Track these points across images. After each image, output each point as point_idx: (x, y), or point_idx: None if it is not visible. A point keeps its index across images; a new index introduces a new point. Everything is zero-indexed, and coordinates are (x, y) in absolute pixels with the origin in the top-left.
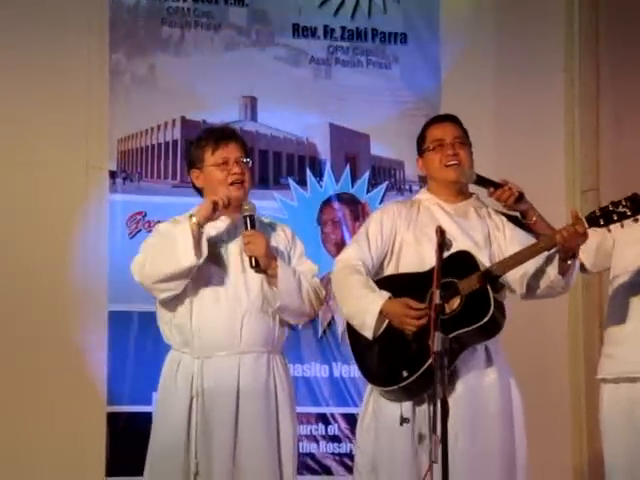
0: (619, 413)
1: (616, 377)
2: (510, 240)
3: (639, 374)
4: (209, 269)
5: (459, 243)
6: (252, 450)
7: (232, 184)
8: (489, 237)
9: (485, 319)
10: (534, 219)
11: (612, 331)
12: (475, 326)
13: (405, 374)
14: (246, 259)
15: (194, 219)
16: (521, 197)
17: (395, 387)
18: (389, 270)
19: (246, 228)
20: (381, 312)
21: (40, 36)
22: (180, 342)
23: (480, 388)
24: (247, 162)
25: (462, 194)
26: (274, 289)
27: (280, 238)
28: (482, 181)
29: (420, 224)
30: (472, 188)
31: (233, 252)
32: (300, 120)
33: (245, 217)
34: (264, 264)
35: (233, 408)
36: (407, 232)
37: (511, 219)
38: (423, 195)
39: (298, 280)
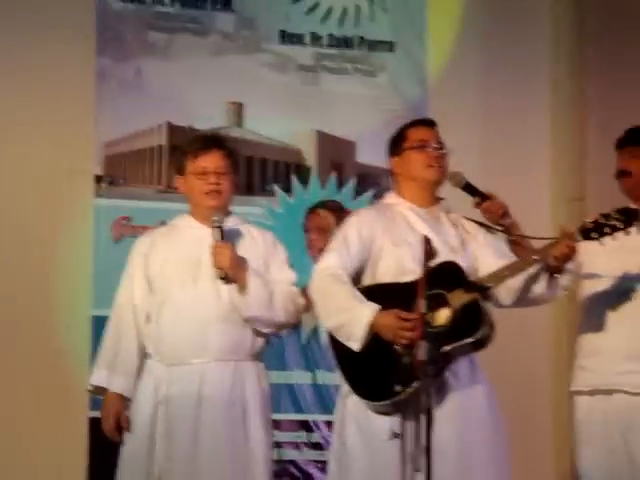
0: (594, 425)
1: (591, 389)
2: (484, 246)
3: (615, 386)
4: (180, 278)
5: (437, 249)
6: (212, 457)
7: (208, 193)
8: (464, 243)
9: (479, 333)
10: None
11: (586, 342)
12: (469, 340)
13: (399, 388)
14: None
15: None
16: (506, 211)
17: (388, 402)
18: (366, 276)
19: (215, 239)
20: (371, 324)
21: (25, 39)
22: (152, 350)
23: (470, 399)
24: (226, 173)
25: (433, 198)
26: (244, 298)
27: (259, 245)
28: (470, 188)
29: (396, 229)
30: (441, 193)
31: (205, 261)
32: (286, 127)
33: (214, 228)
34: (232, 275)
35: (194, 416)
36: (384, 238)
37: (481, 225)
38: (393, 199)
39: (270, 291)
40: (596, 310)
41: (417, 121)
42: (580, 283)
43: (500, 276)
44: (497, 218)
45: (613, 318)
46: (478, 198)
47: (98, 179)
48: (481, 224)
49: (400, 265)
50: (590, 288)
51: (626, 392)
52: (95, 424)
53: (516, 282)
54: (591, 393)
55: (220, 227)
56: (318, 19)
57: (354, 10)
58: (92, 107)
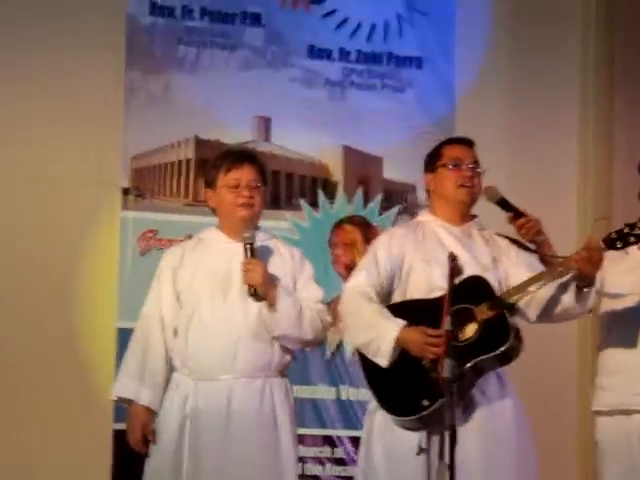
0: (615, 446)
1: (611, 410)
2: (516, 262)
3: (634, 407)
4: (209, 293)
5: (467, 266)
6: (242, 472)
7: (241, 205)
8: (495, 260)
9: (505, 346)
10: (549, 252)
11: (606, 362)
12: (495, 353)
13: (426, 403)
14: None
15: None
16: (540, 229)
17: (415, 417)
18: (397, 294)
19: (245, 256)
20: (397, 340)
21: (56, 52)
22: (179, 364)
23: (497, 417)
24: (258, 187)
25: (466, 216)
26: (274, 315)
27: (287, 262)
28: (504, 204)
29: (427, 247)
30: (474, 210)
31: (235, 277)
32: (313, 141)
33: (245, 245)
34: (262, 293)
35: (222, 431)
36: (415, 255)
37: (513, 242)
38: (426, 217)
39: (299, 309)
40: (616, 329)
41: (453, 139)
42: (601, 301)
43: (525, 288)
44: (532, 235)
45: (633, 337)
46: (512, 213)
47: (125, 192)
48: (513, 241)
49: (430, 282)
50: (610, 306)
51: None
52: (120, 436)
53: (544, 295)
54: (610, 413)
55: (251, 243)
56: (347, 34)
57: (383, 26)
58: (121, 120)
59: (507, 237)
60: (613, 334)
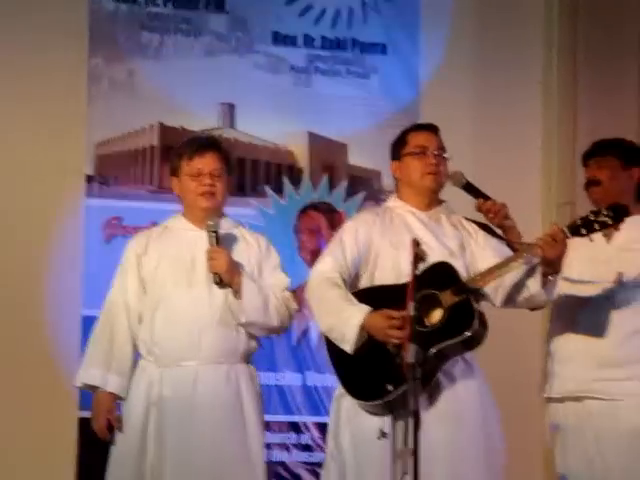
0: (567, 431)
1: (562, 397)
2: (483, 247)
3: (584, 393)
4: (174, 280)
5: (434, 252)
6: (208, 458)
7: (202, 194)
8: (463, 245)
9: (469, 331)
10: (517, 237)
11: (556, 348)
12: (459, 339)
13: (390, 388)
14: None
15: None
16: (507, 213)
17: (380, 401)
18: (365, 279)
19: (210, 244)
20: (362, 326)
21: (18, 39)
22: (144, 351)
23: (462, 401)
24: (221, 175)
25: (434, 201)
26: (240, 303)
27: (252, 249)
28: (470, 188)
29: (395, 232)
30: (443, 195)
31: (200, 264)
32: (278, 128)
33: (209, 233)
34: (227, 280)
35: (187, 418)
36: (382, 241)
37: (481, 227)
38: (394, 203)
39: (265, 296)
40: (566, 316)
41: (418, 126)
42: None
43: (490, 274)
44: (500, 218)
45: (583, 326)
46: (480, 198)
47: (89, 179)
48: (481, 226)
49: (397, 268)
50: (564, 293)
51: (597, 399)
52: (84, 425)
53: (511, 281)
54: (562, 400)
55: (215, 232)
56: (311, 21)
57: (347, 12)
58: (84, 107)
59: (475, 222)
60: (563, 321)
